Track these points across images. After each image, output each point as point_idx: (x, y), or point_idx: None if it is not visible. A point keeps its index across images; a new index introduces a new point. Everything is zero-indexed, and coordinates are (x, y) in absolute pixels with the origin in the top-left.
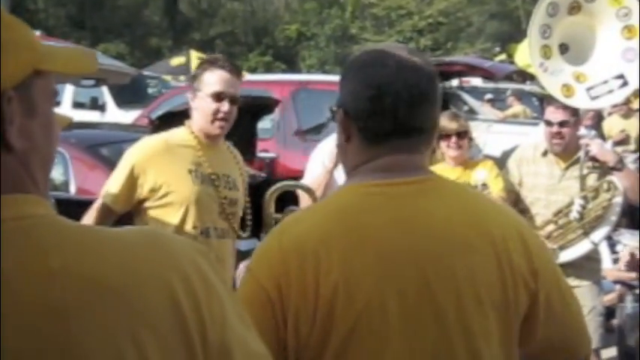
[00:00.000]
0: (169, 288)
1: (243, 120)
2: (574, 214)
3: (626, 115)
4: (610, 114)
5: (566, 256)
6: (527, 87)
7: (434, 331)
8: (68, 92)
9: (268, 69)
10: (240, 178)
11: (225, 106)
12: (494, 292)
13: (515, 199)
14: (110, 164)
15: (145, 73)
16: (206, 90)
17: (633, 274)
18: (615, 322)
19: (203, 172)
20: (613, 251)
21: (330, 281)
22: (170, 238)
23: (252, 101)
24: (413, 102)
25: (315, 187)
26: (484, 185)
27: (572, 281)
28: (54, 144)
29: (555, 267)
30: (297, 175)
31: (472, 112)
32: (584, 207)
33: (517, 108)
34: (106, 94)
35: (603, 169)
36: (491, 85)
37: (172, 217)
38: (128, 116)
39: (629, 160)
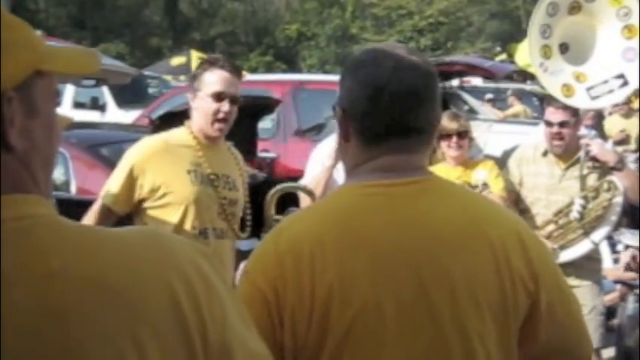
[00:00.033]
0: (170, 288)
1: (244, 120)
2: (574, 214)
3: (627, 115)
4: (610, 114)
5: (567, 255)
6: (528, 87)
7: (430, 331)
8: (69, 92)
9: (269, 69)
10: (240, 179)
11: (225, 106)
12: (491, 294)
13: (515, 199)
14: (110, 164)
15: (146, 73)
16: (206, 90)
17: (634, 274)
18: (615, 321)
19: (202, 172)
20: (614, 251)
21: (326, 282)
22: (170, 239)
23: (252, 101)
24: (411, 102)
25: (315, 185)
26: (484, 185)
27: (572, 281)
28: (56, 144)
29: (555, 269)
30: (298, 175)
31: (472, 112)
32: (584, 207)
33: (517, 108)
34: (106, 94)
35: (603, 169)
36: (491, 84)
37: (171, 217)
38: (128, 116)
39: (630, 159)
